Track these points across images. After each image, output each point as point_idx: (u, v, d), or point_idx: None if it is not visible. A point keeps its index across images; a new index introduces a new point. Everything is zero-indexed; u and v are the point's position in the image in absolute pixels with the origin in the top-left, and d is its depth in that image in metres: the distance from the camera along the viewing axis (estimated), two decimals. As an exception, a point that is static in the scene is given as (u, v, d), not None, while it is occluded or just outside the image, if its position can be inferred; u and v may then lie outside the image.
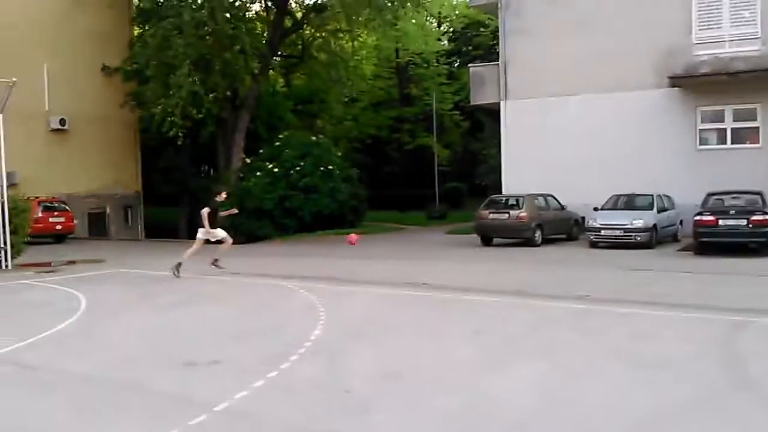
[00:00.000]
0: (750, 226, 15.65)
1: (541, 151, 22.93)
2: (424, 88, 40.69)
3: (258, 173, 25.48)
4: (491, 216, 19.83)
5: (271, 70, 31.71)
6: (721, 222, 15.93)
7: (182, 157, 32.54)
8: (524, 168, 23.14)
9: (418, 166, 40.36)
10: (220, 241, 14.26)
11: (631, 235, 17.91)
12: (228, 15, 25.48)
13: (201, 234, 13.98)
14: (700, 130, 21.33)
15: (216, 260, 14.19)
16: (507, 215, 19.51)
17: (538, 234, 19.27)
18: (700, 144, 21.32)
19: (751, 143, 20.62)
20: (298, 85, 35.53)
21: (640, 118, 21.63)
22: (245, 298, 11.50)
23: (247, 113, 27.78)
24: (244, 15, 27.59)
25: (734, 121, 20.90)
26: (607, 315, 9.13)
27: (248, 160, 26.97)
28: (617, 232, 18.13)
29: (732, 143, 20.93)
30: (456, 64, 43.63)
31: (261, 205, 24.63)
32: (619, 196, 19.78)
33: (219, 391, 5.78)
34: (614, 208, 19.37)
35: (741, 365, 6.48)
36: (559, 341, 7.63)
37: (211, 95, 25.69)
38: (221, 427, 5.09)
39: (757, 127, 20.52)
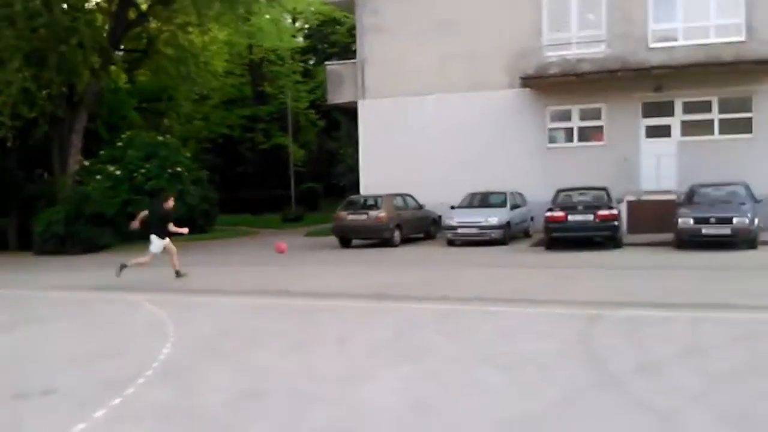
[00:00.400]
0: (596, 220, 16.37)
1: (399, 150, 23.00)
2: (279, 86, 39.81)
3: (98, 176, 23.77)
4: (349, 217, 19.59)
5: (112, 66, 29.75)
6: (570, 217, 16.56)
7: (11, 160, 29.77)
8: (382, 168, 23.12)
9: (272, 166, 39.51)
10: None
11: (485, 233, 18.26)
12: (65, 6, 23.60)
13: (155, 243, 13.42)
14: (550, 129, 22.22)
15: (124, 266, 13.39)
16: (365, 216, 19.34)
17: (396, 234, 19.26)
18: (550, 142, 22.19)
19: (596, 141, 21.70)
20: (143, 82, 33.60)
21: (493, 118, 22.21)
22: (84, 316, 10.46)
23: (85, 112, 25.83)
24: (83, 6, 25.63)
25: (581, 120, 21.97)
26: (469, 315, 9.07)
27: (87, 163, 25.13)
28: (473, 230, 18.44)
29: (579, 141, 21.96)
30: (312, 62, 43.15)
31: (102, 211, 22.94)
32: (474, 194, 20.17)
33: (54, 425, 5.13)
34: (470, 206, 19.74)
35: (601, 361, 6.51)
36: (424, 345, 7.41)
37: (44, 92, 23.67)
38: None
39: (602, 126, 21.64)
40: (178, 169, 24.67)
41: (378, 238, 19.31)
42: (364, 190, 23.31)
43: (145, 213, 13.74)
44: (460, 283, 12.16)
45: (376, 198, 20.04)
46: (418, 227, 20.86)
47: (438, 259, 16.04)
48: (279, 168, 37.85)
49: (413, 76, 22.97)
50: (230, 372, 6.57)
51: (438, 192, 21.26)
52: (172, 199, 13.97)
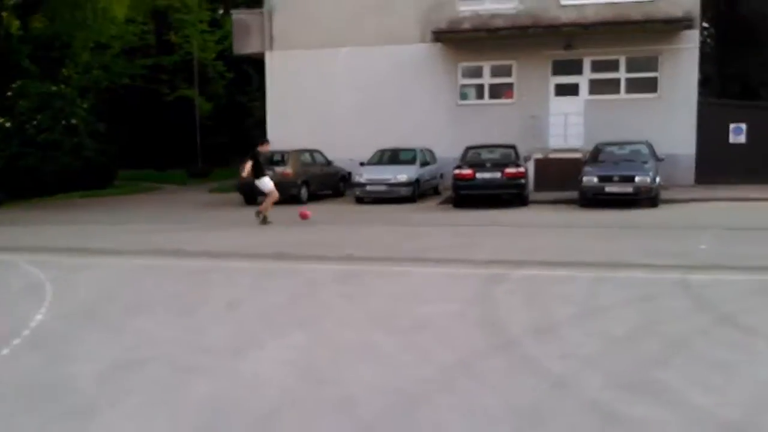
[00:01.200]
0: (504, 178, 16.37)
1: (308, 104, 22.41)
2: (185, 35, 38.07)
3: (-14, 128, 22.24)
4: (255, 173, 18.94)
5: (4, 12, 27.65)
6: (478, 175, 16.49)
7: None
8: (290, 122, 22.48)
9: (178, 120, 37.94)
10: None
11: (394, 190, 18.07)
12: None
13: (261, 184, 14.52)
14: (461, 85, 22.04)
15: (259, 212, 14.45)
16: (272, 172, 18.70)
17: (304, 191, 18.82)
18: (461, 99, 22.04)
19: (506, 98, 21.68)
20: (38, 29, 31.41)
21: (405, 73, 21.87)
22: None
23: (-28, 58, 24.06)
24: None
25: (492, 76, 21.84)
26: (371, 275, 8.79)
27: (-26, 114, 23.46)
28: (382, 187, 18.20)
29: (489, 98, 21.87)
30: (220, 11, 41.42)
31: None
32: (384, 150, 19.89)
33: None
34: (379, 162, 19.45)
35: (499, 323, 6.36)
36: (321, 309, 7.09)
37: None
38: None
39: (512, 83, 21.60)
40: (73, 121, 23.30)
41: (284, 195, 18.70)
42: (271, 145, 22.58)
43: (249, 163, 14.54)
44: (365, 241, 11.88)
45: (283, 153, 19.43)
46: (327, 184, 20.45)
47: (345, 217, 15.71)
48: (185, 121, 36.38)
49: (323, 27, 22.30)
50: (108, 340, 6.09)
51: (347, 148, 20.86)
52: (267, 145, 15.21)
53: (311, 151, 20.15)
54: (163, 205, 19.17)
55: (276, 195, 14.68)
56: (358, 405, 4.45)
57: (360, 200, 18.49)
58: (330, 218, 15.42)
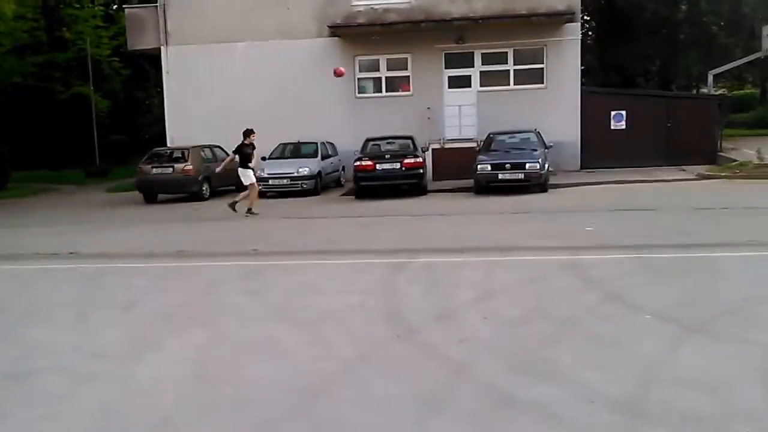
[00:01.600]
0: (403, 168, 16.64)
1: (207, 99, 22.02)
2: (78, 32, 36.53)
3: None
4: (154, 170, 18.54)
5: None
6: (378, 166, 16.70)
7: None
8: (189, 118, 22.03)
9: (74, 118, 36.44)
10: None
11: (297, 183, 18.06)
12: None
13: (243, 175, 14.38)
14: (359, 78, 22.16)
15: (234, 203, 14.44)
16: (171, 169, 18.38)
17: (205, 187, 18.54)
18: (359, 92, 22.16)
19: (403, 91, 21.97)
20: None
21: (303, 67, 21.80)
22: None
23: None
24: None
25: (388, 70, 22.08)
26: (275, 270, 8.79)
27: None
28: (284, 181, 18.17)
29: (386, 91, 22.10)
30: (114, 6, 39.99)
31: None
32: (286, 144, 19.83)
33: None
34: (281, 156, 19.38)
35: (401, 312, 6.48)
36: (221, 307, 7.05)
37: None
38: None
39: (408, 76, 21.91)
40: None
41: (185, 192, 18.43)
42: (170, 142, 22.16)
43: (230, 158, 15.04)
44: (270, 236, 11.87)
45: (182, 150, 19.08)
46: (229, 180, 20.10)
47: (248, 213, 15.58)
48: (81, 120, 34.95)
49: (219, 22, 21.93)
50: (-4, 351, 5.87)
51: (249, 143, 20.62)
52: (252, 135, 14.60)
53: (212, 147, 19.84)
54: (60, 206, 18.38)
55: (255, 191, 14.72)
56: (258, 403, 4.44)
57: (263, 195, 18.26)
58: (233, 214, 15.25)
